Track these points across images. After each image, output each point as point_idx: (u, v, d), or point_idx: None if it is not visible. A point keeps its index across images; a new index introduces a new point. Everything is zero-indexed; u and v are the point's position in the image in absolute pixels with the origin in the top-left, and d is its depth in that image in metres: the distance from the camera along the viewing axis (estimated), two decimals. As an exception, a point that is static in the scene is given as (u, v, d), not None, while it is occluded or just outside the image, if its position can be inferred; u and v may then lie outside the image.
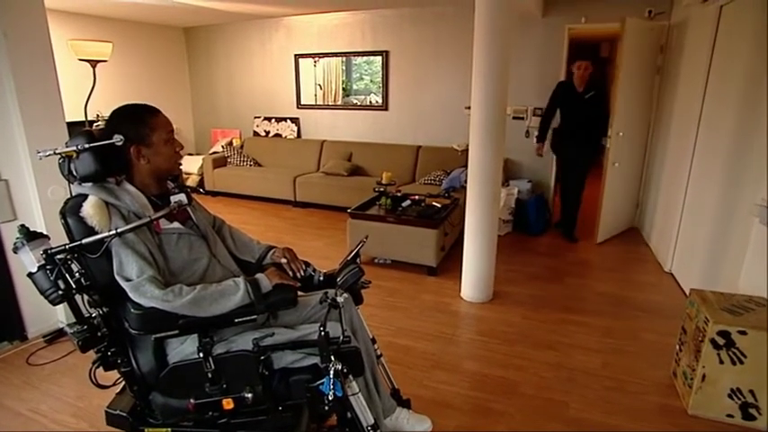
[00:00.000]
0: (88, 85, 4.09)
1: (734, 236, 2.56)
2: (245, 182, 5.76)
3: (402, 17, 5.20)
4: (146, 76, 6.03)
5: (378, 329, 2.78)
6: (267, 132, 6.29)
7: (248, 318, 1.34)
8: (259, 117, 6.34)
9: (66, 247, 1.23)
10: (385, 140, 5.63)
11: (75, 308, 1.28)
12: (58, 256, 1.23)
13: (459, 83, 5.02)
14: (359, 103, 5.64)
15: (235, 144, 6.32)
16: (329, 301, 1.36)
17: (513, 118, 4.94)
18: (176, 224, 1.42)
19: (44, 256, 1.22)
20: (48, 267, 1.22)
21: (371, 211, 3.79)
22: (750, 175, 2.44)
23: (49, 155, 1.30)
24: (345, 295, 1.42)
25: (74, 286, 1.25)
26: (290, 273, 1.60)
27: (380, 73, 5.47)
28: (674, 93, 3.94)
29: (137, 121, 1.38)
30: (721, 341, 1.92)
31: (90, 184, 1.34)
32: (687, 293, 3.13)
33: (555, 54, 4.63)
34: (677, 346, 2.27)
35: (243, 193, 5.81)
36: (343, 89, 5.69)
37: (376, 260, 3.82)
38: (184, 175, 6.14)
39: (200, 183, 6.07)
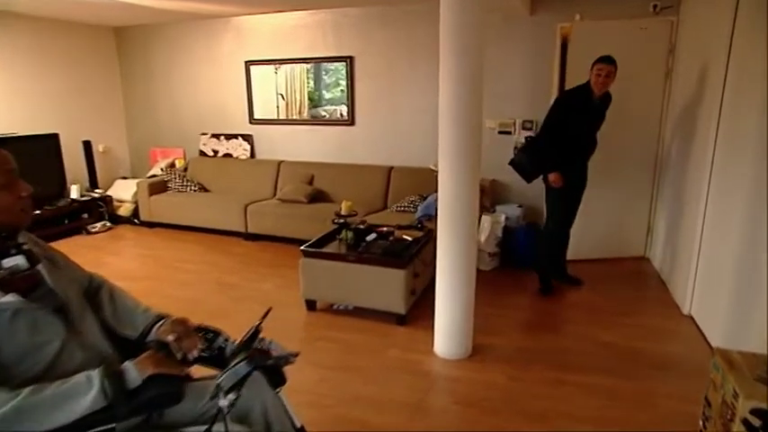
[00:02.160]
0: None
1: (762, 274, 2.34)
2: (187, 210, 5.47)
3: (369, 17, 5.07)
4: (66, 86, 5.76)
5: (327, 399, 2.52)
6: (215, 152, 6.05)
7: (106, 427, 1.14)
8: (206, 134, 6.10)
9: None
10: (352, 160, 5.43)
11: None
12: None
13: (437, 92, 4.84)
14: (327, 116, 5.47)
15: (177, 166, 6.05)
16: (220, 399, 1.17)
17: (499, 132, 4.78)
18: (11, 297, 1.18)
19: None
20: None
21: (330, 248, 3.57)
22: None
23: None
24: (231, 397, 1.20)
25: None
26: (179, 355, 1.34)
27: (345, 82, 5.30)
28: (685, 100, 3.80)
29: None
30: (756, 422, 1.66)
31: None
32: (711, 345, 2.95)
33: (546, 58, 4.50)
34: (701, 422, 2.01)
35: (185, 223, 5.51)
36: (310, 99, 5.52)
37: (334, 306, 3.58)
38: (116, 203, 5.83)
39: (135, 212, 5.75)
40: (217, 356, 1.49)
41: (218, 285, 4.09)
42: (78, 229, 5.39)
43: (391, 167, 5.16)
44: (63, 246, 5.18)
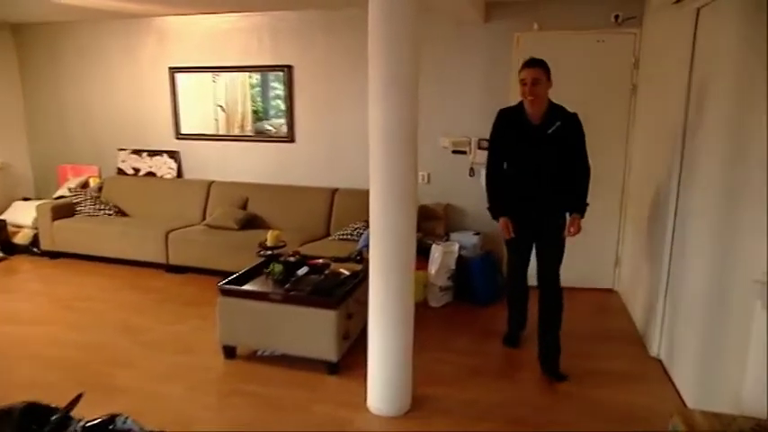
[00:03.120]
0: None
1: (732, 315, 2.24)
2: (98, 239, 5.10)
3: (309, 22, 4.93)
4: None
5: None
6: (137, 170, 5.74)
7: None
8: (125, 150, 5.78)
9: None
10: (292, 181, 5.23)
11: None
12: None
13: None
14: (274, 131, 5.27)
15: (91, 185, 5.69)
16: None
17: (453, 152, 4.67)
18: None
19: None
20: None
21: (254, 284, 3.36)
22: (746, 229, 2.15)
23: None
24: None
25: None
26: None
27: (284, 93, 5.13)
28: (649, 119, 3.78)
29: None
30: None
31: None
32: (680, 394, 2.83)
33: (502, 70, 4.44)
34: (662, 496, 1.85)
35: (96, 253, 5.13)
36: (255, 112, 5.31)
37: (258, 353, 3.35)
38: (12, 229, 5.40)
39: (35, 240, 5.34)
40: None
41: (124, 327, 3.76)
42: (-39, 260, 4.94)
43: (335, 189, 4.98)
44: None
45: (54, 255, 5.29)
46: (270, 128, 5.36)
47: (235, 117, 5.44)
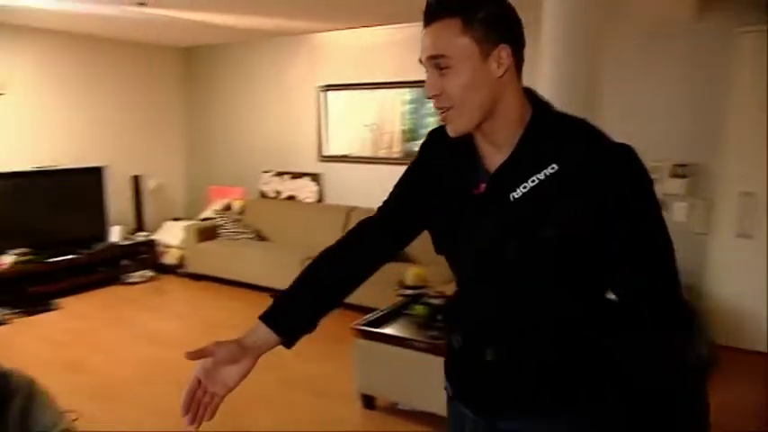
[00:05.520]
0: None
1: None
2: (236, 263, 5.41)
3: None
4: (120, 114, 6.08)
5: None
6: (278, 193, 6.05)
7: None
8: (269, 172, 6.13)
9: None
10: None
11: None
12: None
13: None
14: None
15: (234, 208, 6.11)
16: None
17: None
18: None
19: None
20: None
21: (395, 327, 3.25)
22: None
23: None
24: None
25: None
26: None
27: (432, 112, 5.05)
28: None
29: None
30: None
31: None
32: None
33: (715, 82, 3.94)
34: None
35: (234, 278, 5.45)
36: (404, 132, 5.36)
37: (399, 406, 3.24)
38: (163, 249, 5.96)
39: (182, 260, 5.84)
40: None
41: (261, 361, 3.87)
42: (114, 278, 5.51)
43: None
44: (94, 297, 5.30)
45: (197, 277, 5.72)
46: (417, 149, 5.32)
47: (382, 137, 5.49)
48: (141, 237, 5.89)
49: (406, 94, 5.31)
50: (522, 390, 1.15)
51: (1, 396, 1.32)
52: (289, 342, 1.24)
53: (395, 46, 5.23)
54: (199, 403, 1.16)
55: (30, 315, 4.60)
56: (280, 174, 6.06)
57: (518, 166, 1.09)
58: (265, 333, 1.23)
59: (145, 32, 5.61)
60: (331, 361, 3.89)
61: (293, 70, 5.85)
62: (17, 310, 4.61)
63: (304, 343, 4.37)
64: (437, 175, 1.24)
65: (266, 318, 1.23)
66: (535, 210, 1.06)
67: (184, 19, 4.88)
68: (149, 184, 6.26)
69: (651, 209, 1.07)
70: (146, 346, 4.14)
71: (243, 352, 1.19)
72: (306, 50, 5.75)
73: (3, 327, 4.37)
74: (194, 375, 1.16)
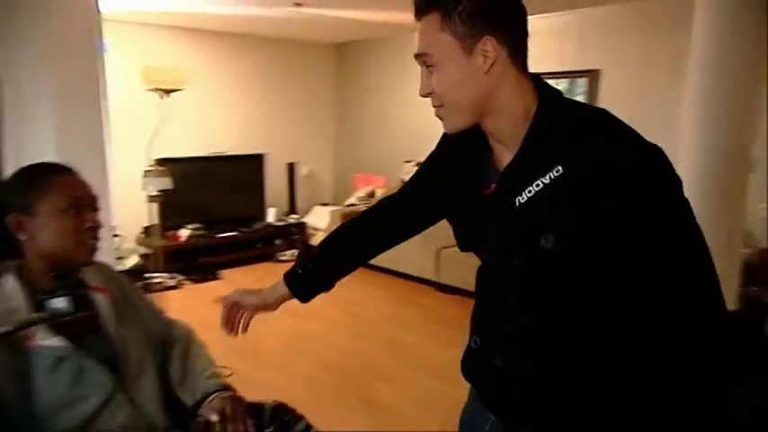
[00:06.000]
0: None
1: None
2: (373, 249, 5.68)
3: (623, 18, 4.58)
4: (280, 106, 6.64)
5: None
6: (417, 182, 6.19)
7: None
8: (410, 161, 6.28)
9: None
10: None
11: None
12: None
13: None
14: None
15: (377, 195, 6.37)
16: None
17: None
18: (57, 340, 1.26)
19: None
20: None
21: None
22: None
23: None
24: None
25: None
26: None
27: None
28: None
29: (25, 182, 1.34)
30: None
31: None
32: None
33: None
34: None
35: (374, 263, 5.71)
36: None
37: None
38: (310, 231, 6.41)
39: (327, 243, 6.23)
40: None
41: (392, 342, 4.06)
42: (269, 255, 6.05)
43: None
44: (251, 271, 5.87)
45: (339, 259, 6.09)
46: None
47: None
48: (293, 219, 6.40)
49: (559, 85, 5.14)
50: (531, 398, 1.08)
51: (168, 339, 1.56)
52: (304, 300, 1.41)
53: (538, 37, 5.05)
54: (234, 319, 1.40)
55: (198, 282, 5.25)
56: (419, 164, 6.19)
57: (524, 167, 0.99)
58: (285, 290, 1.40)
59: (301, 31, 6.04)
60: (458, 347, 3.95)
61: (438, 62, 5.95)
62: (189, 277, 5.28)
63: (432, 329, 4.54)
64: (451, 171, 1.20)
65: (287, 278, 1.40)
66: (537, 216, 0.97)
67: (337, 17, 5.18)
68: (302, 171, 6.76)
69: (674, 223, 0.92)
70: (291, 318, 4.51)
71: (264, 305, 1.41)
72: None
73: (176, 290, 5.05)
74: (231, 299, 1.40)
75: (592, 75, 4.79)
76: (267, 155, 6.18)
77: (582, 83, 4.91)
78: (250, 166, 6.12)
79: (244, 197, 6.08)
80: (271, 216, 6.19)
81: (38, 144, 2.57)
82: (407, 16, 4.71)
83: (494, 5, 0.97)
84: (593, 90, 4.80)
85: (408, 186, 1.40)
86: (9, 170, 2.48)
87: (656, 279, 0.93)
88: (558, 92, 1.05)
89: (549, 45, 5.03)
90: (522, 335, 1.08)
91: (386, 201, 1.44)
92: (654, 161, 0.91)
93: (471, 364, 1.25)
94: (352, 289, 5.29)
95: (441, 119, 1.09)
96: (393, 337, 4.15)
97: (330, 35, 6.45)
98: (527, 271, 1.02)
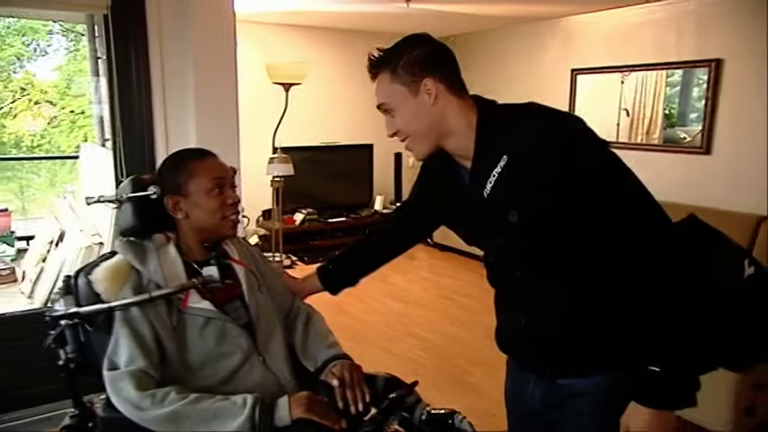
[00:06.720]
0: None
1: None
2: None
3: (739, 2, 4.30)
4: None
5: None
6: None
7: None
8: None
9: (67, 312, 1.37)
10: (703, 202, 4.62)
11: (71, 385, 1.42)
12: (62, 321, 1.38)
13: None
14: (689, 139, 4.87)
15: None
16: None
17: None
18: (206, 304, 1.44)
19: (48, 318, 1.40)
20: (51, 332, 1.39)
21: None
22: None
23: (94, 202, 1.51)
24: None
25: (63, 358, 1.38)
26: (341, 403, 1.41)
27: (703, 95, 4.61)
28: None
29: (174, 167, 1.51)
30: None
31: (125, 239, 1.49)
32: None
33: None
34: None
35: (471, 252, 5.76)
36: (666, 116, 5.05)
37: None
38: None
39: (430, 232, 6.38)
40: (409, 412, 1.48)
41: (491, 330, 4.15)
42: (375, 241, 6.31)
43: (762, 218, 4.17)
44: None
45: (442, 247, 6.22)
46: (684, 135, 4.91)
47: (640, 122, 5.19)
48: (397, 207, 6.59)
49: (673, 75, 4.89)
50: (554, 352, 1.32)
51: (292, 310, 1.72)
52: (333, 292, 1.70)
53: (652, 25, 4.88)
54: None
55: (308, 264, 5.62)
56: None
57: (481, 165, 1.24)
58: (316, 283, 1.70)
59: (410, 26, 6.13)
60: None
61: (546, 54, 5.85)
62: (301, 259, 5.63)
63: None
64: (438, 180, 1.46)
65: (319, 273, 1.69)
66: (501, 199, 1.21)
67: (444, 11, 5.25)
68: (408, 162, 6.92)
69: (603, 173, 1.15)
70: (394, 301, 4.73)
71: (296, 291, 1.73)
72: (560, 34, 5.70)
73: (290, 269, 5.42)
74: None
75: (713, 65, 4.51)
76: (375, 145, 6.41)
77: (701, 73, 4.64)
78: (359, 155, 6.39)
79: (353, 185, 6.38)
80: (378, 203, 6.43)
81: (182, 134, 2.89)
82: (514, 8, 4.82)
83: (426, 56, 1.27)
84: (714, 81, 4.52)
85: (409, 196, 1.68)
86: (160, 158, 2.84)
87: (605, 218, 1.14)
88: (493, 101, 1.34)
89: (665, 35, 4.81)
90: (533, 299, 1.32)
91: (403, 204, 1.74)
92: (571, 130, 1.17)
93: (503, 335, 1.52)
94: (448, 275, 5.44)
95: (410, 150, 1.35)
96: (491, 327, 4.21)
97: (437, 29, 6.50)
98: (508, 247, 1.28)
